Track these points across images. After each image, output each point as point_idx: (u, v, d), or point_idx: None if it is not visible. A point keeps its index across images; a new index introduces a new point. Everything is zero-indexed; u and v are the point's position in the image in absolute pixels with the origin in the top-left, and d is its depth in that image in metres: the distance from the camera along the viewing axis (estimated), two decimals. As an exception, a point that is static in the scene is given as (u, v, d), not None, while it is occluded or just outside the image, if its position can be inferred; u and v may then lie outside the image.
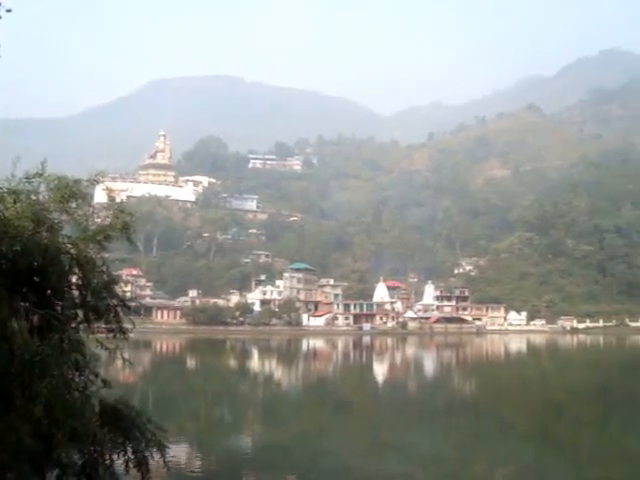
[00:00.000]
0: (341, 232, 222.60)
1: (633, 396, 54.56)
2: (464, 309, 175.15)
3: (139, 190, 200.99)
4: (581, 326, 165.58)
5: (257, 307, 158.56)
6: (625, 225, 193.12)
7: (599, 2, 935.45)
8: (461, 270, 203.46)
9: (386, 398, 53.56)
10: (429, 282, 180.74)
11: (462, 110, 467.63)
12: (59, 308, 10.13)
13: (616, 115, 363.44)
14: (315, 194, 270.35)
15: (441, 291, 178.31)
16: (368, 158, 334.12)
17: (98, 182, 10.93)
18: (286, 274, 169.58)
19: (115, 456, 10.29)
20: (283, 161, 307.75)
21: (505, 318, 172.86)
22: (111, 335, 10.79)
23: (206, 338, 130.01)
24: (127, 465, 10.31)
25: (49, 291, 10.06)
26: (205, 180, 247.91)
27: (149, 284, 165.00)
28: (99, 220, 11.13)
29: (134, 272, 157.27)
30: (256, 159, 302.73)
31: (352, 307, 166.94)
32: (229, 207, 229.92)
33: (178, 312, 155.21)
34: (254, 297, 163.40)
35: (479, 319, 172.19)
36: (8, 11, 9.38)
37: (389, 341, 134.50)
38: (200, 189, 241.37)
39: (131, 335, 11.17)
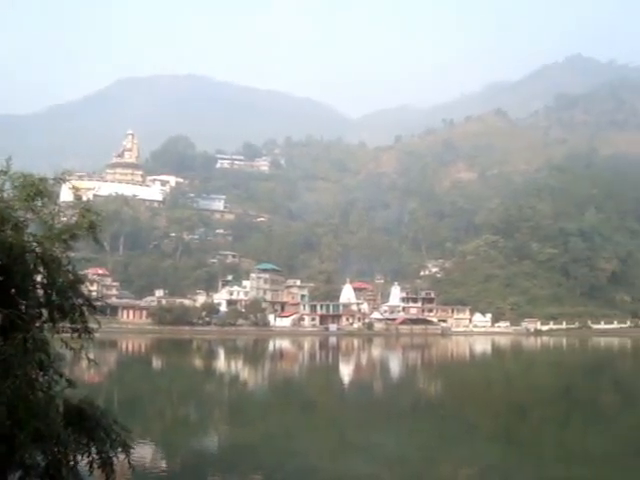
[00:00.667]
0: (308, 233, 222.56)
1: (595, 397, 55.55)
2: (430, 310, 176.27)
3: (106, 189, 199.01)
4: (545, 328, 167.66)
5: (223, 307, 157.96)
6: (589, 229, 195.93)
7: (565, 10, 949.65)
8: (427, 272, 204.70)
9: (352, 399, 53.72)
10: (395, 283, 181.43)
11: (430, 113, 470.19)
12: (23, 307, 10.00)
13: (580, 120, 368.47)
14: (283, 195, 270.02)
15: (407, 292, 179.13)
16: (336, 160, 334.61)
17: (64, 180, 10.82)
18: (253, 275, 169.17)
19: (79, 457, 10.19)
20: (251, 161, 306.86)
21: (470, 320, 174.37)
22: (76, 335, 10.67)
23: (172, 338, 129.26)
24: (91, 466, 10.20)
25: (13, 290, 9.93)
26: (172, 180, 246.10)
27: (115, 284, 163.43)
28: (65, 219, 11.00)
29: (100, 271, 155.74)
30: (224, 159, 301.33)
31: (319, 308, 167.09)
32: (196, 207, 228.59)
33: (144, 312, 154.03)
34: (221, 297, 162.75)
35: (444, 321, 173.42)
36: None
37: (355, 342, 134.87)
38: (167, 189, 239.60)
39: (96, 335, 11.07)
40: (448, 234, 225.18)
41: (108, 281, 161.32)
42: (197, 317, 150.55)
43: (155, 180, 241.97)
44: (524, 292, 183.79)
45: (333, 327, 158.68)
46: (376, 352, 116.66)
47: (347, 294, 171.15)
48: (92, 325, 10.93)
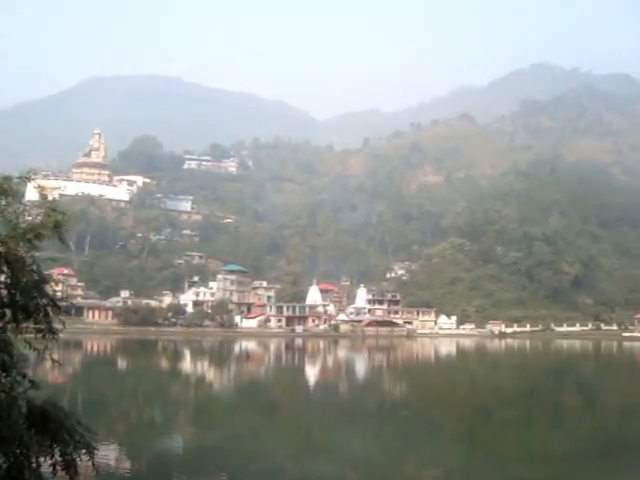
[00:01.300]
0: (275, 235, 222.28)
1: (557, 398, 56.41)
2: (395, 312, 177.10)
3: (72, 188, 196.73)
4: (509, 330, 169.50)
5: (190, 308, 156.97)
6: (552, 233, 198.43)
7: (532, 18, 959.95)
8: (393, 274, 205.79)
9: (317, 400, 53.82)
10: (362, 285, 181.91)
11: (398, 117, 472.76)
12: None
13: (546, 126, 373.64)
14: (250, 196, 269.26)
15: (373, 294, 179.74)
16: (304, 162, 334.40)
17: (29, 179, 10.74)
18: (219, 276, 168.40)
19: (42, 459, 10.10)
20: (219, 162, 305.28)
21: (435, 322, 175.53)
22: (40, 335, 10.59)
23: (138, 339, 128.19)
24: (54, 468, 10.11)
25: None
26: (140, 180, 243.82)
27: (81, 284, 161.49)
28: (30, 218, 10.92)
29: (65, 271, 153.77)
30: (191, 160, 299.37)
31: (285, 309, 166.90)
32: (163, 207, 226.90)
33: (110, 312, 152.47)
34: (187, 298, 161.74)
35: (410, 322, 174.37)
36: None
37: (321, 343, 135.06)
38: (134, 189, 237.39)
39: (61, 335, 10.99)
40: (415, 237, 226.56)
41: (73, 281, 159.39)
42: (163, 318, 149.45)
43: (122, 180, 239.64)
44: (489, 295, 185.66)
45: (299, 329, 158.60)
46: (342, 354, 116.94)
47: (313, 296, 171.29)
48: (56, 325, 10.84)
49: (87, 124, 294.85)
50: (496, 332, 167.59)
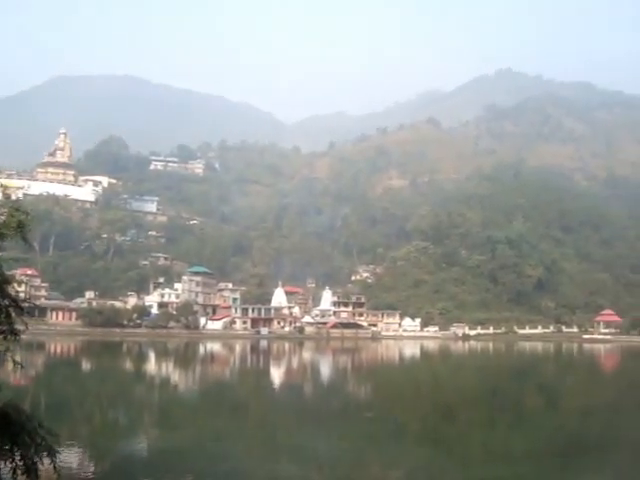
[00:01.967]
0: (241, 237, 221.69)
1: (519, 399, 57.20)
2: (360, 315, 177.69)
3: (36, 188, 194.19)
4: (472, 333, 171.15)
5: (155, 310, 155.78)
6: (516, 237, 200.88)
7: (497, 25, 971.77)
8: (358, 277, 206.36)
9: (282, 402, 53.82)
10: (327, 288, 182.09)
11: (364, 121, 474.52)
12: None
13: (509, 131, 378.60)
14: (216, 198, 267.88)
15: (338, 297, 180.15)
16: (270, 164, 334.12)
17: (-8, 179, 10.63)
18: (185, 277, 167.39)
19: (2, 463, 9.99)
20: (185, 164, 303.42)
21: (400, 324, 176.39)
22: (1, 336, 10.49)
23: (102, 340, 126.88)
24: (15, 472, 10.02)
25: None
26: (105, 180, 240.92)
27: (44, 284, 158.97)
28: (-8, 218, 10.81)
29: (29, 272, 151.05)
30: (158, 161, 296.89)
31: (250, 311, 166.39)
32: (129, 208, 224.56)
33: (74, 313, 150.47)
34: (152, 300, 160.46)
35: (375, 325, 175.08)
36: None
37: (286, 345, 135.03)
38: (100, 189, 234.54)
39: (23, 337, 10.91)
40: (379, 240, 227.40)
41: (37, 282, 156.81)
42: (128, 319, 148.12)
43: (87, 180, 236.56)
44: (453, 297, 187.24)
45: (264, 331, 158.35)
46: (307, 355, 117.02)
47: (279, 298, 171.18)
48: (19, 326, 10.75)
49: (53, 124, 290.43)
50: (460, 334, 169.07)
